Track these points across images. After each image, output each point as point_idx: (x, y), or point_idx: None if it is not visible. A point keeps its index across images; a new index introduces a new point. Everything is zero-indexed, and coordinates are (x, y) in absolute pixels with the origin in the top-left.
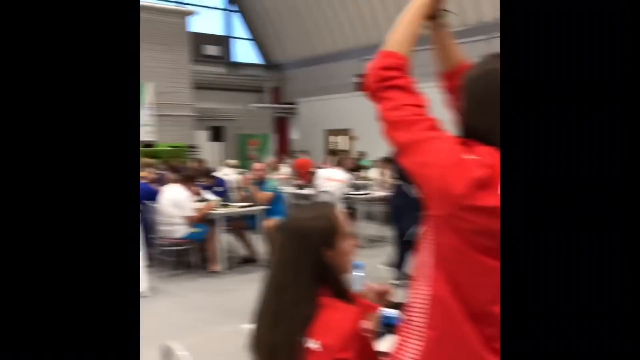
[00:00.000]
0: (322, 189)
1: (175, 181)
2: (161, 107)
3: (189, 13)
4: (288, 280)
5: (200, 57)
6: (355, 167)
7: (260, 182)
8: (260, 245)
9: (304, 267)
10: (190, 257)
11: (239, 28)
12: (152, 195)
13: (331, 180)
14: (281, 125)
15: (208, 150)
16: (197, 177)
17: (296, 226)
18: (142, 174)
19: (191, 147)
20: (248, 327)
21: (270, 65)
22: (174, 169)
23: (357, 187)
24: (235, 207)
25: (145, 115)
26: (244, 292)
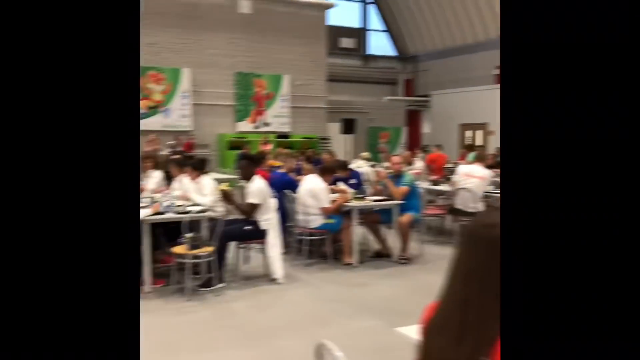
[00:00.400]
0: (461, 186)
1: (313, 172)
2: (296, 99)
3: (329, 6)
4: (473, 295)
5: (335, 50)
6: (496, 164)
7: (396, 176)
8: (393, 240)
9: (492, 281)
10: (325, 247)
11: (375, 20)
12: (289, 185)
13: (471, 177)
14: (413, 118)
15: (339, 142)
16: (337, 169)
17: (484, 233)
18: (279, 163)
19: (323, 138)
20: (403, 331)
21: (405, 57)
22: (309, 160)
23: (498, 185)
24: (370, 201)
25: (281, 107)
26: (378, 287)
